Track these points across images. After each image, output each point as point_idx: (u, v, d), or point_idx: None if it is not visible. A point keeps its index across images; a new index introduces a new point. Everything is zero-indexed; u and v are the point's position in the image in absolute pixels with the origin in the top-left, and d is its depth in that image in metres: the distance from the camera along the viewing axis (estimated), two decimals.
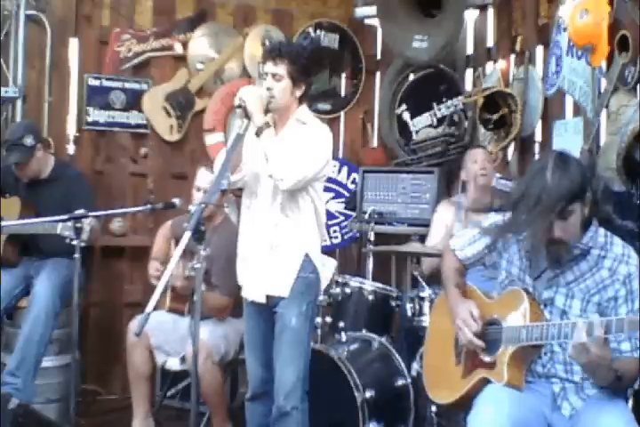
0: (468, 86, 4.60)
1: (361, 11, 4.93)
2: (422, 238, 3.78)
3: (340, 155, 4.93)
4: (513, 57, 4.15)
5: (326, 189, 4.32)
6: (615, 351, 2.10)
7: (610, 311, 2.18)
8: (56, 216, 3.16)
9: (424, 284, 3.47)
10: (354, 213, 4.51)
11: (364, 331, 3.48)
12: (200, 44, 4.63)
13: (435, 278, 3.30)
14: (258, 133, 2.64)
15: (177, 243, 2.51)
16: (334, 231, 4.77)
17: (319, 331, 3.51)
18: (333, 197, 4.77)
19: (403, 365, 3.33)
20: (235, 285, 2.95)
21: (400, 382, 3.29)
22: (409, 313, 3.46)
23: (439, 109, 4.63)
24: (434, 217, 3.86)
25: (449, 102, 4.57)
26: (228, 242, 3.10)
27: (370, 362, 3.36)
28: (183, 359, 3.43)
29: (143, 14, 4.61)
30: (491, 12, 4.54)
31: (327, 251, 3.42)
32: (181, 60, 4.63)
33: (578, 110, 3.58)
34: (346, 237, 4.79)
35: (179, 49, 4.61)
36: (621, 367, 2.06)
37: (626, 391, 2.24)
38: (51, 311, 3.53)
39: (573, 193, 2.11)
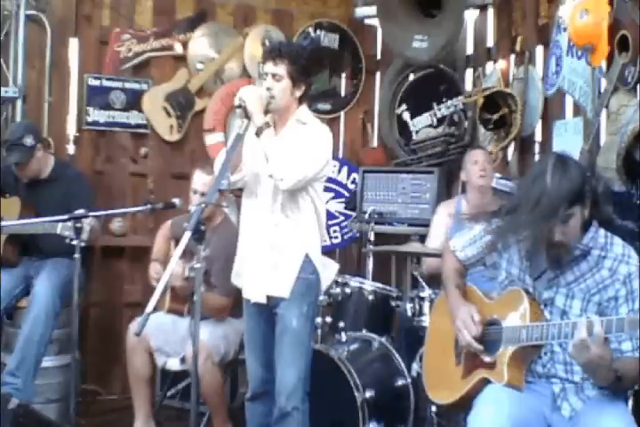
0: (468, 86, 4.60)
1: (361, 11, 4.93)
2: (422, 238, 3.77)
3: (340, 155, 4.93)
4: (513, 57, 4.15)
5: (326, 189, 4.32)
6: (616, 351, 2.10)
7: (610, 311, 2.18)
8: (56, 216, 3.16)
9: (424, 284, 3.47)
10: (354, 213, 4.51)
11: (364, 331, 3.48)
12: (200, 44, 4.63)
13: (435, 280, 3.30)
14: (258, 133, 2.64)
15: (177, 243, 2.51)
16: (334, 231, 4.77)
17: (319, 331, 3.51)
18: (333, 197, 4.77)
19: (403, 365, 3.33)
20: (234, 285, 2.95)
21: (400, 382, 3.29)
22: (409, 313, 3.46)
23: (439, 109, 4.63)
24: (434, 218, 3.86)
25: (449, 102, 4.57)
26: (228, 242, 3.10)
27: (370, 362, 3.36)
28: (183, 360, 3.43)
29: (143, 14, 4.61)
30: (491, 12, 4.54)
31: (327, 251, 3.43)
32: (181, 60, 4.63)
33: (578, 110, 3.58)
34: (346, 237, 4.79)
35: (179, 49, 4.61)
36: (622, 367, 2.05)
37: (626, 392, 2.25)
38: (51, 311, 3.53)
39: (573, 197, 2.11)
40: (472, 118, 4.36)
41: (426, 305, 3.41)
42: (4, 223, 3.41)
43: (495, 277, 2.46)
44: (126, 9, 4.56)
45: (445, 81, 4.62)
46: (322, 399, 2.97)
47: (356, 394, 3.07)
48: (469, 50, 4.67)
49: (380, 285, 3.61)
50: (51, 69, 4.33)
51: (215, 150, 4.37)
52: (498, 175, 3.77)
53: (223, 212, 3.70)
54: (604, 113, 3.25)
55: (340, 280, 3.57)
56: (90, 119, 4.45)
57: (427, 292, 3.42)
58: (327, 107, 4.88)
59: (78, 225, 3.02)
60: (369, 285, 3.58)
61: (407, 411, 3.25)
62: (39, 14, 4.23)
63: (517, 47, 4.05)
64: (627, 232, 2.63)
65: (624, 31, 3.04)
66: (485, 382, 2.26)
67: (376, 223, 4.05)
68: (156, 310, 2.33)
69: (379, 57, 5.04)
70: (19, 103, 4.16)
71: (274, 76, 2.71)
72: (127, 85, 4.52)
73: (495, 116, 4.04)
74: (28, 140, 3.69)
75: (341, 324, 3.49)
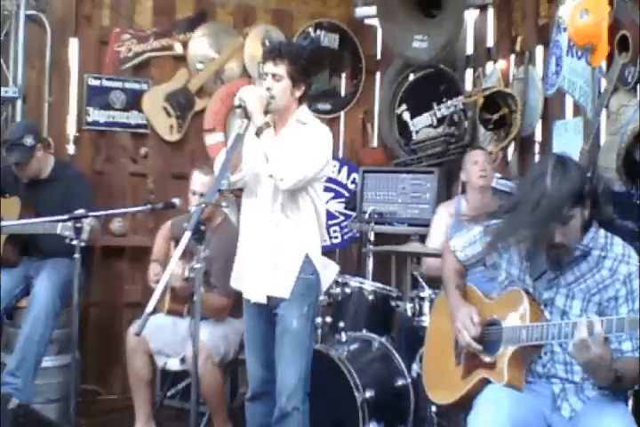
0: (468, 86, 4.60)
1: (361, 11, 4.93)
2: (422, 238, 3.77)
3: (340, 155, 4.93)
4: (513, 57, 4.15)
5: (326, 189, 4.33)
6: (616, 351, 2.10)
7: (610, 311, 2.17)
8: (56, 216, 3.16)
9: (424, 284, 3.47)
10: (354, 213, 4.51)
11: (364, 331, 3.48)
12: (200, 44, 4.63)
13: (435, 280, 3.29)
14: (258, 133, 2.64)
15: (177, 243, 2.50)
16: (334, 231, 4.77)
17: (319, 331, 3.51)
18: (333, 197, 4.77)
19: (403, 365, 3.33)
20: None
21: (400, 383, 3.29)
22: (409, 313, 3.46)
23: (439, 109, 4.63)
24: (434, 219, 3.86)
25: (449, 102, 4.57)
26: (228, 242, 3.09)
27: (370, 362, 3.36)
28: (183, 360, 3.43)
29: (143, 14, 4.61)
30: (491, 12, 4.54)
31: (327, 251, 3.43)
32: (181, 60, 4.63)
33: (578, 110, 3.58)
34: (346, 237, 4.79)
35: (179, 49, 4.61)
36: (622, 367, 2.05)
37: (626, 392, 2.25)
38: (51, 311, 3.53)
39: (574, 198, 2.11)
40: (472, 118, 4.36)
41: (426, 305, 3.41)
42: (4, 223, 3.41)
43: (495, 277, 2.46)
44: (126, 9, 4.56)
45: (445, 81, 4.62)
46: (322, 399, 2.97)
47: (356, 394, 3.07)
48: (469, 50, 4.67)
49: (379, 285, 3.61)
50: (51, 69, 4.33)
51: (215, 150, 4.37)
52: (498, 175, 3.77)
53: (223, 212, 3.70)
54: (604, 113, 3.25)
55: (340, 280, 3.57)
56: (90, 119, 4.45)
57: (427, 292, 3.42)
58: (327, 107, 4.88)
59: (78, 225, 3.02)
60: (369, 285, 3.58)
61: (407, 411, 3.25)
62: (39, 14, 4.23)
63: (517, 47, 4.04)
64: (627, 232, 2.63)
65: (624, 31, 3.04)
66: (485, 382, 2.26)
67: (376, 223, 4.05)
68: (155, 311, 2.33)
69: (379, 57, 5.04)
70: (19, 103, 4.16)
71: (274, 76, 2.71)
72: (127, 85, 4.52)
73: (495, 117, 4.04)
74: (28, 140, 3.69)
75: (341, 324, 3.49)
